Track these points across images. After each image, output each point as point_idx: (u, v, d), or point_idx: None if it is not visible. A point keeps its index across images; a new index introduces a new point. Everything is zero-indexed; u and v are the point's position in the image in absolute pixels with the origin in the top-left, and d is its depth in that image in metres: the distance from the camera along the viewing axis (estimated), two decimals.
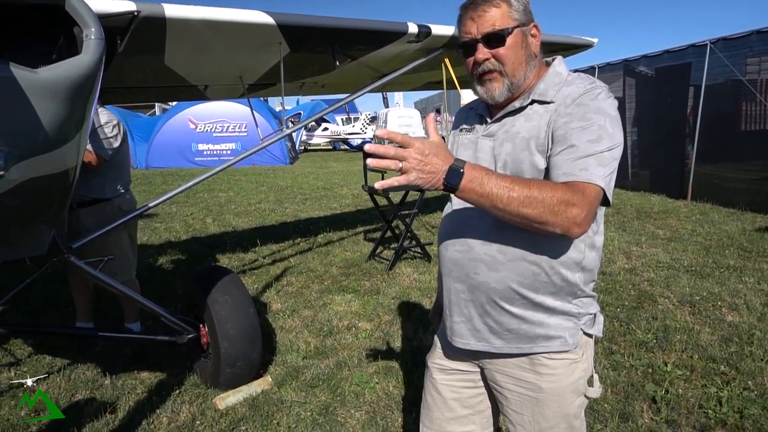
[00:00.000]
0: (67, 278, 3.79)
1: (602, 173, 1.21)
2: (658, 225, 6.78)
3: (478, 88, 1.42)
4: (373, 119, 25.61)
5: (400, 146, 1.11)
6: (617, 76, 10.79)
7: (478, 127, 1.49)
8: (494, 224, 1.37)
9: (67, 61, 1.42)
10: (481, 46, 1.36)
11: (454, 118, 1.69)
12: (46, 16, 1.53)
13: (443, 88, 4.96)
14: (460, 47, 1.42)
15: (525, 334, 1.40)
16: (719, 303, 3.96)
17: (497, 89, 1.38)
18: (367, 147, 1.10)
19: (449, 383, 1.61)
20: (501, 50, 1.35)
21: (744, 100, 8.13)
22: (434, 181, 1.13)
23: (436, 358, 1.65)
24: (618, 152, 1.26)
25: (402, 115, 21.86)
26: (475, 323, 1.44)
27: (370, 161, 1.11)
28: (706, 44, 8.29)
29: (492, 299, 1.40)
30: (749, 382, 2.84)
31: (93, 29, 1.46)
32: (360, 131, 25.25)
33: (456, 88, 4.86)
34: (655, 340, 3.36)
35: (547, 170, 1.29)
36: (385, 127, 21.25)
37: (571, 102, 1.30)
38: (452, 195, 1.50)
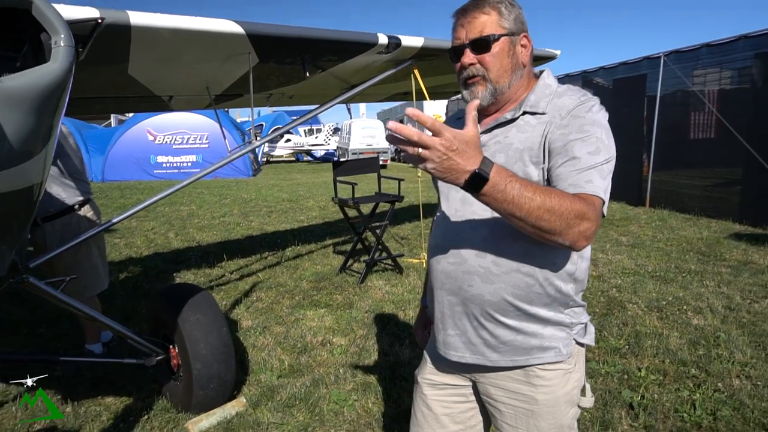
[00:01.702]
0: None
1: (604, 186, 1.22)
2: (620, 232, 6.97)
3: (464, 91, 1.43)
4: (336, 130, 25.56)
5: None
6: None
7: None
8: (488, 235, 1.36)
9: (35, 69, 1.32)
10: (467, 51, 1.37)
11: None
12: (10, 21, 1.43)
13: (412, 99, 4.98)
14: (450, 52, 1.43)
15: (520, 346, 1.39)
16: (684, 307, 4.08)
17: (480, 92, 1.38)
18: (390, 124, 1.05)
19: (440, 398, 1.58)
20: (486, 56, 1.36)
21: (693, 110, 8.52)
22: (451, 178, 1.08)
23: (427, 373, 1.61)
24: (613, 164, 1.28)
25: (366, 126, 21.89)
26: (470, 336, 1.42)
27: (388, 137, 1.06)
28: (660, 56, 8.65)
29: (487, 311, 1.38)
30: (719, 384, 2.92)
31: (62, 35, 1.37)
32: (323, 143, 25.14)
33: (425, 98, 4.89)
34: (627, 346, 3.42)
35: (548, 182, 1.29)
36: (349, 138, 21.22)
37: (567, 113, 1.30)
38: (442, 204, 1.49)
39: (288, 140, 25.03)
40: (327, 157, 24.86)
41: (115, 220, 3.18)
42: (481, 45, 1.35)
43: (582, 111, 1.29)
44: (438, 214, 1.52)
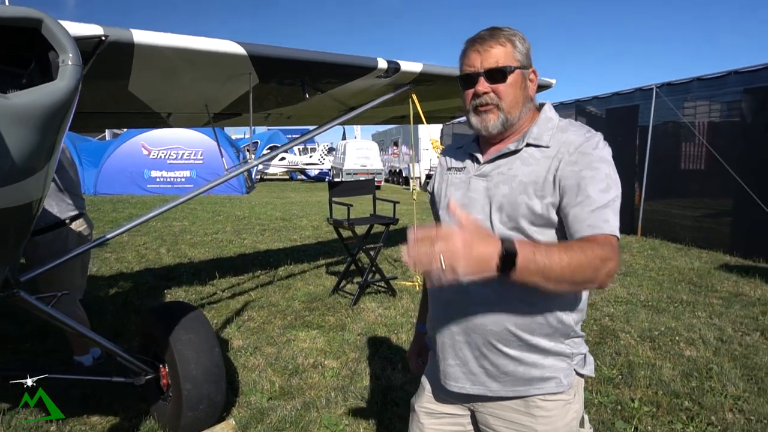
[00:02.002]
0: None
1: (617, 224, 1.27)
2: None
3: (473, 118, 1.44)
4: (331, 150, 25.67)
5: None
6: (569, 115, 11.29)
7: (469, 166, 1.49)
8: None
9: (42, 87, 1.32)
10: (482, 79, 1.39)
11: (440, 156, 1.69)
12: (20, 39, 1.44)
13: (410, 123, 5.03)
14: (462, 78, 1.44)
15: (521, 376, 1.39)
16: (677, 338, 4.08)
17: (492, 121, 1.40)
18: (409, 241, 1.03)
19: (437, 427, 1.56)
20: (501, 86, 1.38)
21: (684, 141, 8.65)
22: (484, 267, 1.05)
23: (424, 402, 1.59)
24: (620, 198, 1.32)
25: (360, 147, 22.02)
26: (470, 366, 1.42)
27: (406, 258, 1.04)
28: (652, 88, 8.81)
29: (488, 341, 1.38)
30: (712, 417, 2.91)
31: (70, 54, 1.37)
32: (318, 162, 25.21)
33: (422, 122, 4.94)
34: (620, 376, 3.41)
35: (560, 220, 1.32)
36: (344, 159, 21.28)
37: (574, 150, 1.33)
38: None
39: (282, 158, 25.08)
40: (321, 177, 24.92)
41: (108, 236, 3.15)
42: (498, 75, 1.38)
43: (589, 148, 1.33)
44: None
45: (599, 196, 1.27)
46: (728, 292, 5.40)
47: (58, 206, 3.15)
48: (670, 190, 8.99)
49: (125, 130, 18.32)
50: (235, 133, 31.69)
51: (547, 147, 1.37)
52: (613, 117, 10.04)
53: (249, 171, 20.46)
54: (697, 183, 8.59)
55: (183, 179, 17.34)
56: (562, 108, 11.68)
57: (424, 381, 1.64)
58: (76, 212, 3.25)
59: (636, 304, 4.97)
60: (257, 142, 25.23)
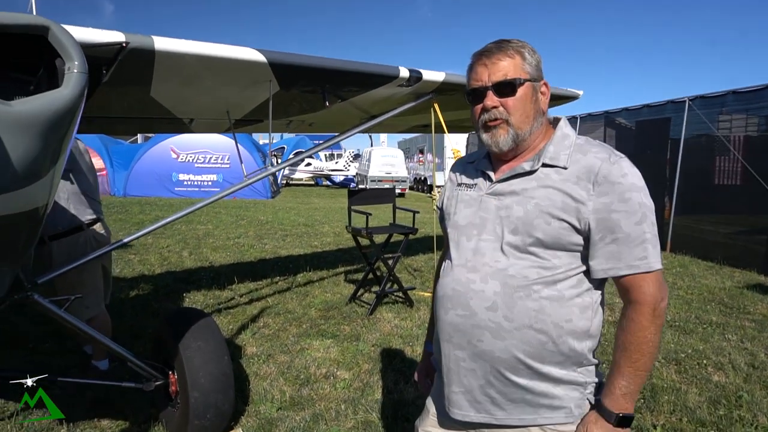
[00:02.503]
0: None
1: (657, 252, 1.28)
2: None
3: (483, 135, 1.39)
4: (357, 157, 25.76)
5: None
6: (598, 127, 11.06)
7: (480, 183, 1.43)
8: (500, 289, 1.31)
9: (45, 94, 1.32)
10: (490, 93, 1.34)
11: (449, 171, 1.64)
12: (28, 46, 1.44)
13: (431, 132, 4.98)
14: (469, 93, 1.39)
15: (529, 404, 1.33)
16: (704, 362, 3.91)
17: (502, 137, 1.35)
18: None
19: None
20: (510, 100, 1.33)
21: (718, 155, 8.36)
22: None
23: (428, 425, 1.54)
24: (655, 224, 1.32)
25: (386, 154, 22.03)
26: (475, 394, 1.36)
27: None
28: (685, 101, 8.56)
29: (497, 369, 1.32)
30: None
31: (76, 62, 1.37)
32: (343, 168, 25.33)
33: (444, 132, 4.88)
34: (642, 400, 3.27)
35: (575, 245, 1.31)
36: (369, 166, 21.27)
37: (603, 180, 1.27)
38: (452, 252, 1.43)
39: (308, 164, 25.29)
40: (345, 183, 25.02)
41: (125, 240, 3.18)
42: (506, 88, 1.33)
43: (617, 176, 1.27)
44: (446, 260, 1.47)
45: (635, 230, 1.25)
46: (762, 315, 5.16)
47: (75, 210, 3.18)
48: (702, 206, 8.70)
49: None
50: (264, 138, 32.14)
51: (565, 168, 1.31)
52: (643, 129, 9.80)
53: (275, 176, 20.70)
54: (731, 198, 8.28)
55: (210, 183, 17.61)
56: (590, 120, 11.45)
57: (429, 404, 1.58)
58: (94, 217, 3.28)
59: None
60: (284, 147, 25.50)
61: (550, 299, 1.30)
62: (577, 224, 1.28)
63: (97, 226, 3.33)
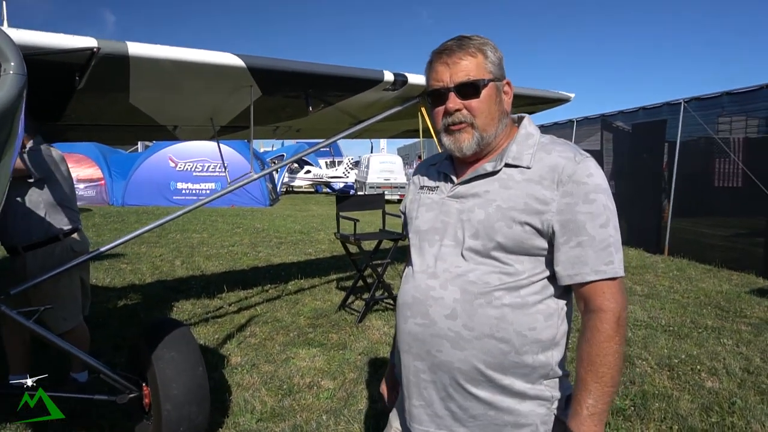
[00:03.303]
0: None
1: (620, 259, 1.22)
2: (635, 280, 6.71)
3: (445, 138, 1.32)
4: (356, 164, 25.73)
5: None
6: (595, 130, 11.01)
7: (442, 186, 1.37)
8: (459, 296, 1.24)
9: None
10: (453, 95, 1.27)
11: (412, 174, 1.58)
12: None
13: (419, 137, 4.92)
14: (429, 95, 1.32)
15: (492, 422, 1.26)
16: (698, 367, 3.82)
17: (466, 141, 1.28)
18: None
19: None
20: (474, 102, 1.26)
21: (717, 157, 8.28)
22: None
23: None
24: (618, 228, 1.25)
25: (384, 160, 21.98)
26: (435, 408, 1.29)
27: None
28: (680, 103, 8.50)
29: (456, 380, 1.25)
30: None
31: (12, 63, 1.31)
32: (343, 175, 25.29)
33: (433, 137, 4.83)
34: (633, 407, 3.19)
35: (538, 249, 1.25)
36: (367, 172, 21.22)
37: (567, 180, 1.21)
38: (413, 257, 1.37)
39: (308, 172, 25.27)
40: (345, 190, 24.99)
41: (101, 249, 3.14)
42: (469, 90, 1.26)
43: (582, 175, 1.21)
44: (408, 266, 1.41)
45: (600, 232, 1.19)
46: (759, 318, 5.07)
47: (50, 220, 3.11)
48: (700, 208, 8.62)
49: (154, 142, 18.77)
50: (264, 146, 32.17)
51: (528, 168, 1.25)
52: (639, 132, 9.73)
53: (274, 183, 20.63)
54: (730, 201, 8.19)
55: (207, 191, 17.56)
56: (586, 123, 11.41)
57: (393, 417, 1.52)
58: (70, 227, 3.22)
59: (656, 329, 4.70)
60: (283, 155, 25.50)
61: (512, 306, 1.23)
62: (540, 226, 1.22)
63: (74, 236, 3.26)
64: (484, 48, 1.29)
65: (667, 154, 9.04)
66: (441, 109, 1.30)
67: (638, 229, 9.39)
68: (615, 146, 10.48)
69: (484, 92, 1.26)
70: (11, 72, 1.30)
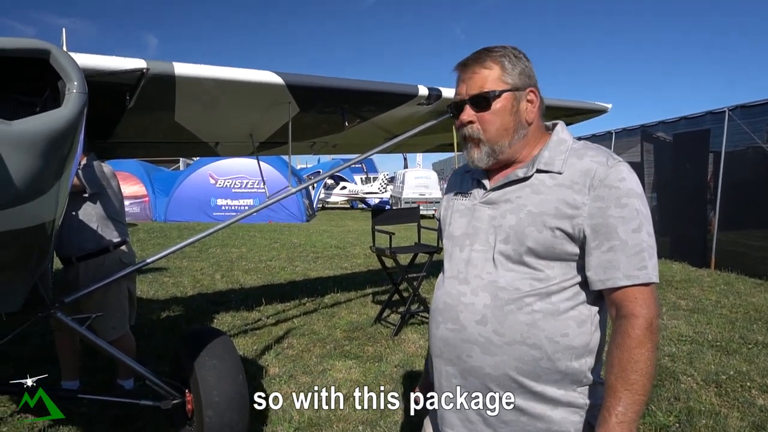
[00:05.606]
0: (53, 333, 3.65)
1: (654, 264, 1.19)
2: (679, 295, 6.49)
3: (465, 150, 1.38)
4: (392, 179, 25.85)
5: None
6: (635, 142, 10.76)
7: (475, 192, 1.40)
8: (490, 302, 1.25)
9: (44, 114, 1.38)
10: (468, 107, 1.31)
11: (448, 180, 1.61)
12: (34, 68, 1.51)
13: (454, 151, 4.95)
14: (450, 106, 1.37)
15: (524, 428, 1.25)
16: (748, 384, 3.66)
17: (476, 155, 1.33)
18: None
19: None
20: (485, 114, 1.29)
21: (766, 166, 7.96)
22: None
23: None
24: (653, 234, 1.24)
25: (419, 176, 22.00)
26: (467, 413, 1.30)
27: None
28: (724, 111, 8.25)
29: (487, 386, 1.26)
30: None
31: (75, 83, 1.43)
32: (378, 191, 25.44)
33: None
34: (677, 424, 3.08)
35: (570, 255, 1.25)
36: (402, 187, 21.29)
37: (599, 184, 1.21)
38: (445, 264, 1.40)
39: (344, 188, 25.53)
40: (381, 206, 25.11)
41: (148, 261, 3.26)
42: (481, 102, 1.29)
43: (615, 180, 1.21)
44: (441, 273, 1.44)
45: (632, 238, 1.18)
46: None
47: (102, 232, 3.29)
48: (749, 220, 8.26)
49: (196, 159, 19.38)
50: (300, 162, 32.74)
51: (560, 173, 1.26)
52: (681, 142, 9.46)
53: (310, 200, 20.91)
54: None
55: (246, 207, 17.95)
56: (626, 135, 11.17)
57: (427, 423, 1.54)
58: (119, 239, 3.38)
59: (702, 344, 4.53)
60: (319, 171, 25.87)
61: (543, 312, 1.23)
62: (571, 231, 1.22)
63: (123, 248, 3.42)
64: (501, 59, 1.31)
65: (711, 164, 8.76)
66: (458, 121, 1.35)
67: (682, 243, 9.08)
68: (656, 158, 10.20)
69: (496, 104, 1.29)
70: (74, 91, 1.41)
